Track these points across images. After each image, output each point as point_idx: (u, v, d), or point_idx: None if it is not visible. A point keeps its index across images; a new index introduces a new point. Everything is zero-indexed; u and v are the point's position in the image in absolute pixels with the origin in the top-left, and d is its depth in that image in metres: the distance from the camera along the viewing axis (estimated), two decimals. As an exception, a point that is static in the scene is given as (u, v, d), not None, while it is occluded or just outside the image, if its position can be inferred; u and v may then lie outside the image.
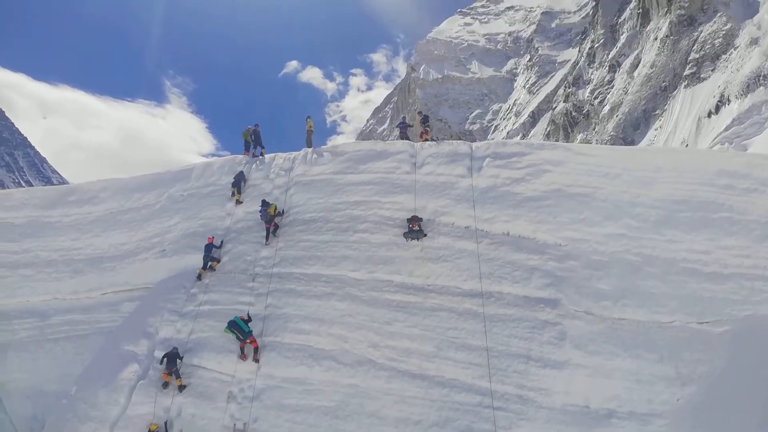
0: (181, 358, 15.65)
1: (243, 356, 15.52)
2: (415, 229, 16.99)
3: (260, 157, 22.20)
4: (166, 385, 15.22)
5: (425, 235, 17.02)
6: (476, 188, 18.04)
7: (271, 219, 18.34)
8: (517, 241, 16.72)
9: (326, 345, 15.62)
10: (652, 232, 16.06)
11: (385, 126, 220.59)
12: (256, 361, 15.47)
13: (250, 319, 15.82)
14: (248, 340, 15.45)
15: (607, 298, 15.17)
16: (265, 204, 18.50)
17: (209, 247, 18.04)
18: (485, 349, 14.76)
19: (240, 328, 15.43)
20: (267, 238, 18.34)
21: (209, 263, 17.92)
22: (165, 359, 15.43)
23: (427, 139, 21.46)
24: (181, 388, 15.19)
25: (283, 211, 19.06)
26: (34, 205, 22.60)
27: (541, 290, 15.54)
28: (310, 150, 21.39)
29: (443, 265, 16.64)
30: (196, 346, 16.02)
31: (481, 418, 13.93)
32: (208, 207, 20.29)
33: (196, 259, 18.38)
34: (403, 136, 22.63)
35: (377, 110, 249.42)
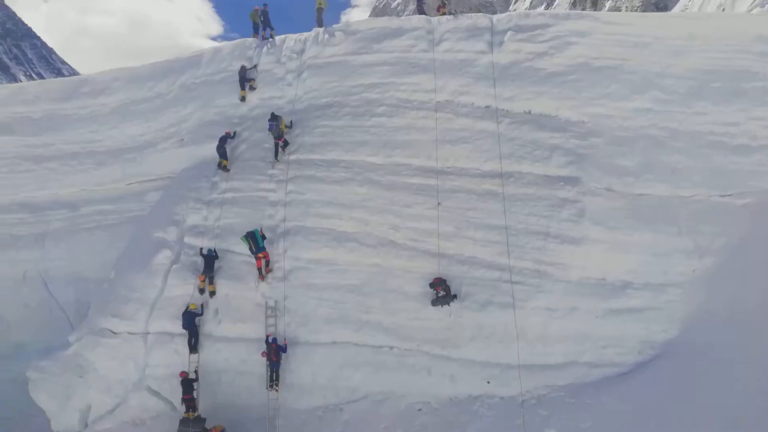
0: (216, 258, 15.87)
1: (261, 277, 15.69)
2: (440, 294, 14.66)
3: (270, 39, 21.30)
4: (202, 291, 15.73)
5: (455, 298, 14.68)
6: (497, 65, 17.30)
7: (281, 134, 17.30)
8: (538, 120, 16.34)
9: (348, 228, 16.01)
10: (680, 105, 15.55)
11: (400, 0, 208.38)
12: (269, 271, 15.77)
13: (265, 237, 15.83)
14: (260, 255, 15.49)
15: (630, 174, 15.06)
16: (274, 117, 17.31)
17: (224, 139, 17.92)
18: (504, 228, 15.02)
19: (256, 240, 15.43)
20: (276, 154, 17.52)
21: (222, 161, 17.78)
22: (203, 260, 15.74)
23: (444, 13, 20.25)
24: (212, 293, 15.75)
25: (291, 124, 18.02)
26: (49, 99, 22.41)
27: (561, 168, 15.44)
28: (321, 30, 20.39)
29: (463, 147, 16.47)
30: (224, 232, 16.52)
31: (500, 291, 14.54)
32: (221, 94, 19.89)
33: (214, 149, 18.37)
34: (420, 10, 21.37)
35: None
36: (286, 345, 14.81)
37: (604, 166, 15.25)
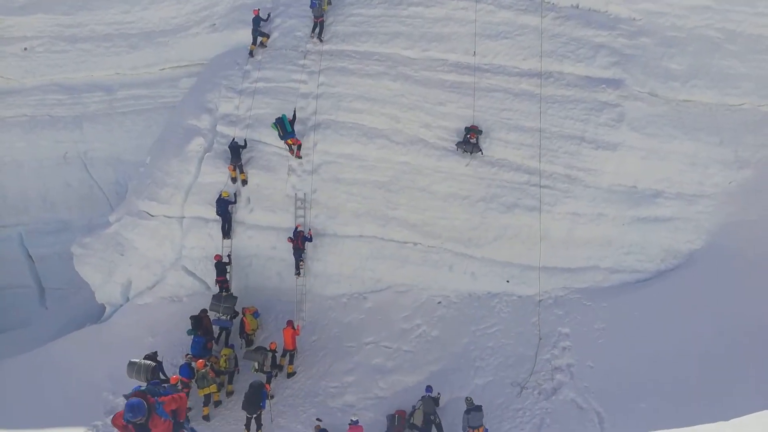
0: (243, 147, 15.95)
1: (297, 153, 15.84)
2: (472, 141, 14.86)
3: None
4: (234, 180, 16.06)
5: (480, 151, 14.96)
6: (546, -48, 16.00)
7: (323, 13, 16.83)
8: (586, 15, 15.38)
9: (379, 124, 15.85)
10: (742, 4, 14.40)
11: None
12: (299, 157, 15.83)
13: (294, 119, 15.64)
14: (290, 141, 15.50)
15: (677, 78, 14.32)
16: None
17: (257, 21, 17.40)
18: (538, 131, 14.67)
19: (284, 126, 15.28)
20: (313, 30, 17.05)
21: (259, 39, 17.48)
22: (230, 150, 15.84)
23: None
24: (244, 182, 16.07)
25: (330, 2, 17.34)
26: (78, -26, 21.82)
27: (605, 70, 14.75)
28: None
29: (502, 43, 15.73)
30: (255, 123, 16.54)
31: (527, 195, 14.52)
32: (253, -26, 19.04)
33: (247, 35, 17.87)
34: None
35: None
36: (311, 235, 15.32)
37: (651, 68, 14.48)
